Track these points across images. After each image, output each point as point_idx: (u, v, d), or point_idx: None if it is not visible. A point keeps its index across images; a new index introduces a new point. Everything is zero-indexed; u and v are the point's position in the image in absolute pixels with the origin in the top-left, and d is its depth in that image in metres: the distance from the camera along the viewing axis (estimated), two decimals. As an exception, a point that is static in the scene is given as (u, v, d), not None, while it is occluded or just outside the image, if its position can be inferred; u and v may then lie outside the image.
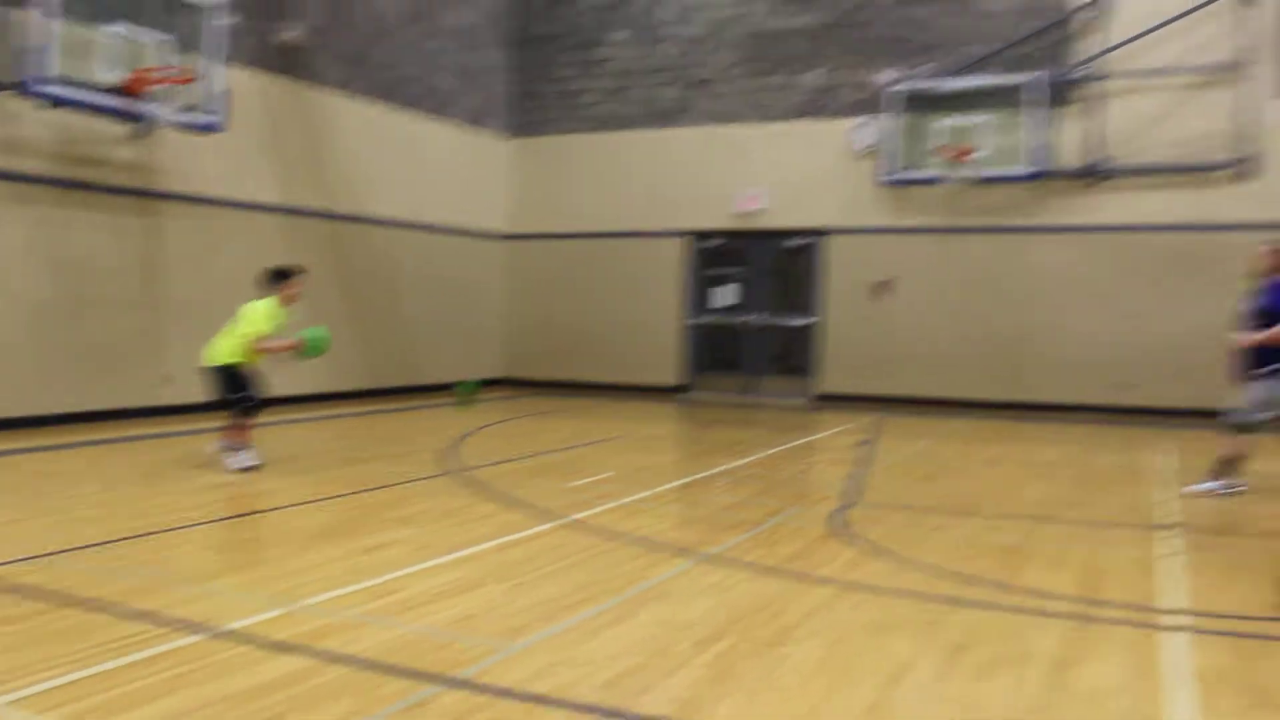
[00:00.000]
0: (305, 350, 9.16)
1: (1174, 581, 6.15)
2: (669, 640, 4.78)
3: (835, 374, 16.86)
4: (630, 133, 18.13)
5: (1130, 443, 12.65)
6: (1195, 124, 15.06)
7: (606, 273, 18.33)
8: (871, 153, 16.40)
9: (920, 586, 5.79)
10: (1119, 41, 15.25)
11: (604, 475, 9.40)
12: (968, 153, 15.46)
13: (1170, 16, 15.01)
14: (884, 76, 16.29)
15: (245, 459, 9.13)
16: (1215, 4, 14.89)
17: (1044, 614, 5.39)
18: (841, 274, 16.78)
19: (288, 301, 9.33)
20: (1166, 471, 10.50)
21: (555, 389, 18.17)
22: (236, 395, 9.12)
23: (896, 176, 16.13)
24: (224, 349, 9.17)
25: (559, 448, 11.41)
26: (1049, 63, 15.65)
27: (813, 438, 13.20)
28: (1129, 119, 15.34)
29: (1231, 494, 8.96)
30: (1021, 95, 15.47)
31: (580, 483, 8.96)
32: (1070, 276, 15.57)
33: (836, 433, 13.33)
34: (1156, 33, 15.09)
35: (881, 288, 16.37)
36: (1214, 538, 7.47)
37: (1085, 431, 13.73)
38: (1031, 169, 15.42)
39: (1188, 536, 7.37)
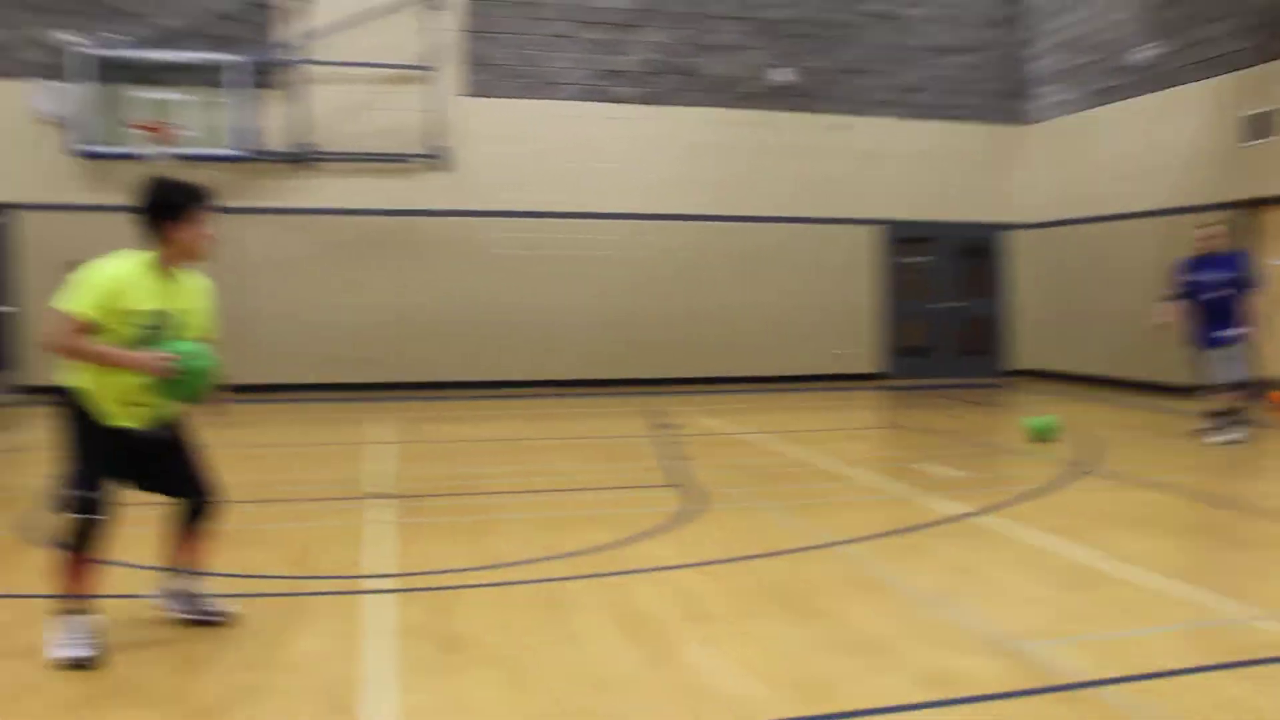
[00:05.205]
0: (180, 380, 4.46)
1: (380, 547, 6.44)
2: None
3: (42, 364, 15.26)
4: None
5: (348, 417, 13.09)
6: (394, 116, 15.97)
7: None
8: (57, 121, 15.00)
9: (127, 586, 5.39)
10: (319, 31, 15.63)
11: None
12: (163, 128, 14.75)
13: (364, 13, 15.72)
14: (67, 37, 14.94)
15: (68, 639, 4.34)
16: (405, 7, 15.91)
17: (256, 595, 5.34)
18: (40, 254, 15.13)
19: (178, 258, 4.60)
20: (378, 443, 11.01)
21: None
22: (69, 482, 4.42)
23: (93, 149, 14.95)
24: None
25: None
26: (253, 44, 15.58)
27: (13, 437, 11.90)
28: (333, 107, 15.80)
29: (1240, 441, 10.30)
30: (225, 74, 15.19)
31: None
32: (281, 257, 15.70)
33: (42, 428, 12.10)
34: (356, 27, 15.71)
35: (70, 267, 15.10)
36: (416, 503, 7.95)
37: (307, 410, 13.95)
38: (237, 150, 15.23)
39: (393, 504, 7.77)
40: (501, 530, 6.95)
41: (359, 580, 5.71)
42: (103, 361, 4.31)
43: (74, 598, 4.36)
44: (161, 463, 4.65)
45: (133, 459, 4.53)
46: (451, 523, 7.17)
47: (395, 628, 4.82)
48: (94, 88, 14.81)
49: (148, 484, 4.66)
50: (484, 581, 5.65)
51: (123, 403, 4.45)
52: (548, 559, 6.09)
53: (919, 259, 18.30)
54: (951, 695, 4.01)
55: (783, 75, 17.35)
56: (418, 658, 4.43)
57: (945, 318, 18.40)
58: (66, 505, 4.36)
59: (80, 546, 4.35)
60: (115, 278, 4.38)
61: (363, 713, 3.89)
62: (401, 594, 5.43)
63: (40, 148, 15.04)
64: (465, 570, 5.86)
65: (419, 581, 5.66)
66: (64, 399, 4.44)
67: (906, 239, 18.12)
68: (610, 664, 4.36)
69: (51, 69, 14.94)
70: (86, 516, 4.33)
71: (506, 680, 4.18)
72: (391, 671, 4.28)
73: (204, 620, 4.76)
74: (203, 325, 4.76)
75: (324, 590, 5.53)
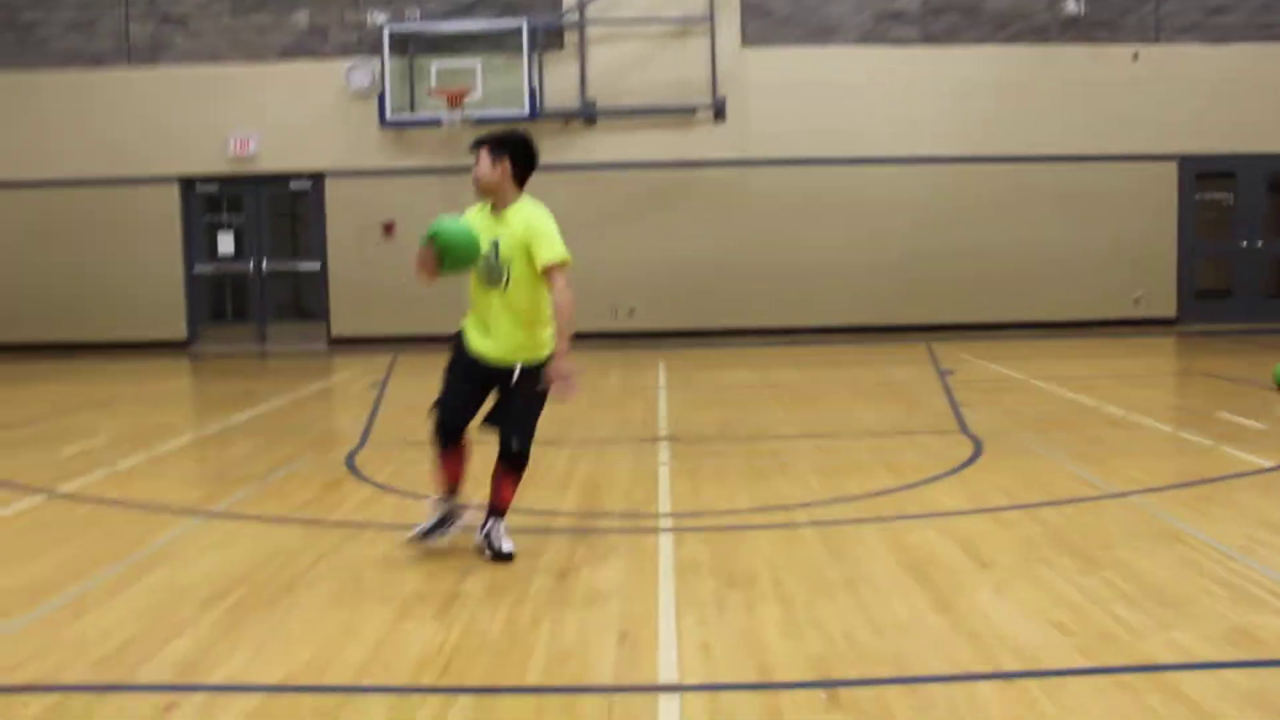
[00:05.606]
0: (440, 256, 5.02)
1: (663, 488, 6.71)
2: (171, 605, 4.55)
3: (347, 317, 16.61)
4: (103, 71, 16.58)
5: (630, 364, 13.53)
6: (674, 70, 16.21)
7: (91, 223, 16.75)
8: (368, 94, 16.14)
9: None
10: (599, -10, 16.07)
11: (99, 440, 8.69)
12: (463, 94, 15.62)
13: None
14: (375, 17, 16.05)
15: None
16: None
17: (548, 530, 5.69)
18: (346, 217, 16.46)
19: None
20: (659, 388, 11.36)
21: (37, 352, 16.41)
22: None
23: (396, 118, 16.01)
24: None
25: (46, 415, 10.40)
26: (538, 8, 16.17)
27: (327, 382, 12.99)
28: (614, 64, 16.22)
29: None
30: (512, 39, 15.84)
31: (72, 450, 8.23)
32: (568, 212, 16.20)
33: (350, 376, 13.18)
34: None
35: (387, 230, 16.24)
36: (697, 446, 8.18)
37: (589, 357, 14.47)
38: (526, 110, 15.87)
39: (674, 447, 8.03)
40: (784, 473, 7.08)
41: (647, 519, 5.97)
42: (421, 271, 5.14)
43: (443, 490, 5.28)
44: (501, 396, 5.23)
45: (483, 385, 5.25)
46: (735, 465, 7.36)
47: (681, 565, 5.02)
48: (397, 61, 15.84)
49: (491, 411, 5.28)
50: (768, 523, 5.80)
51: (480, 332, 5.25)
52: (831, 502, 6.18)
53: (1221, 195, 17.07)
54: (1259, 655, 3.83)
55: (1073, 5, 16.47)
56: (704, 594, 4.61)
57: (1251, 258, 17.11)
58: (433, 412, 5.27)
59: (441, 446, 5.24)
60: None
61: (653, 645, 4.08)
62: (688, 533, 5.65)
63: (350, 120, 16.26)
64: (749, 511, 6.03)
65: (704, 521, 5.87)
66: (454, 336, 5.39)
67: (1206, 174, 16.92)
68: (894, 607, 4.40)
69: (361, 46, 16.09)
70: (443, 422, 5.22)
71: (790, 619, 4.29)
72: (678, 607, 4.47)
73: (498, 555, 5.12)
74: (526, 249, 5.21)
75: (615, 528, 5.82)
